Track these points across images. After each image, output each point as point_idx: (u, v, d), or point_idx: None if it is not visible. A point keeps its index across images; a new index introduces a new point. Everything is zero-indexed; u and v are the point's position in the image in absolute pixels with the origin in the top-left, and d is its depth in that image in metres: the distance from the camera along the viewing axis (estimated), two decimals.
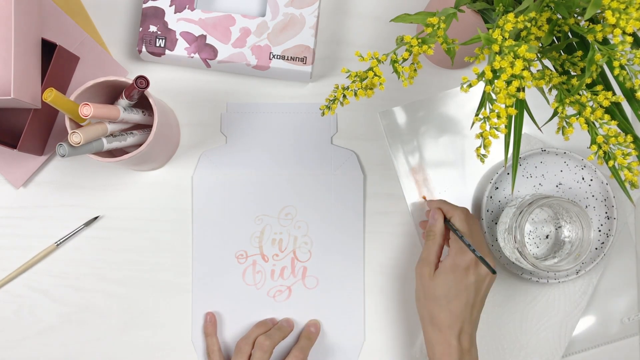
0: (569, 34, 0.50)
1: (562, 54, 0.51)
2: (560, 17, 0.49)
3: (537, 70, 0.48)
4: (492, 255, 0.62)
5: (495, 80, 0.43)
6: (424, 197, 0.69)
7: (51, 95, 0.54)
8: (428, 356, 0.60)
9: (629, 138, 0.44)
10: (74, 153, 0.55)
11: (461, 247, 0.59)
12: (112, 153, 0.65)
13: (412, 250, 0.70)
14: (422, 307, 0.61)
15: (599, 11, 0.44)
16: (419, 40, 0.48)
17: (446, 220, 0.62)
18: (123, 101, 0.59)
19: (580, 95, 0.46)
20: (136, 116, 0.62)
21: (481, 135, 0.44)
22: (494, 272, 0.58)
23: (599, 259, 0.68)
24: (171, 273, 0.69)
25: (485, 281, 0.60)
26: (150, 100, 0.60)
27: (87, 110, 0.54)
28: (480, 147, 0.44)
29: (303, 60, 0.67)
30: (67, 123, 0.59)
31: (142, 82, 0.56)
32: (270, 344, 0.64)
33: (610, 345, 0.70)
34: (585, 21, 0.46)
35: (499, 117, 0.42)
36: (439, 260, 0.61)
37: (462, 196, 0.70)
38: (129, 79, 0.59)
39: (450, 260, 0.59)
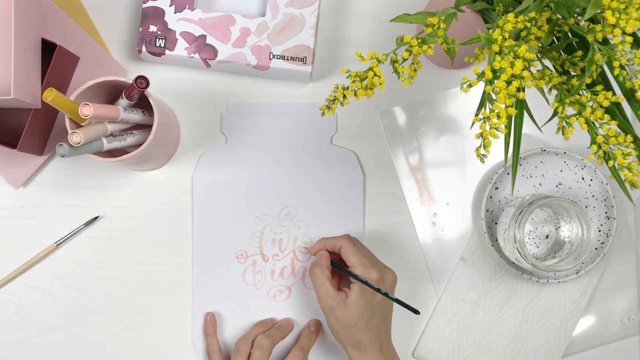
0: (569, 34, 0.50)
1: (562, 54, 0.51)
2: (560, 17, 0.49)
3: (537, 70, 0.48)
4: (388, 267, 0.64)
5: (495, 80, 0.43)
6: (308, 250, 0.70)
7: (51, 95, 0.54)
8: None
9: (629, 138, 0.44)
10: (74, 153, 0.55)
11: (362, 269, 0.61)
12: (112, 153, 0.65)
13: (412, 250, 0.70)
14: (342, 337, 0.61)
15: (599, 11, 0.44)
16: (419, 40, 0.48)
17: (333, 263, 0.64)
18: (123, 101, 0.59)
19: (580, 95, 0.46)
20: (136, 116, 0.62)
21: (481, 135, 0.44)
22: (378, 290, 0.60)
23: (599, 259, 0.68)
24: (171, 273, 0.69)
25: (392, 288, 0.63)
26: (150, 100, 0.60)
27: (87, 110, 0.54)
28: (480, 147, 0.44)
29: (303, 60, 0.67)
30: (67, 123, 0.59)
31: (142, 82, 0.56)
32: (269, 343, 0.64)
33: (610, 345, 0.70)
34: (585, 21, 0.46)
35: (499, 117, 0.42)
36: (339, 288, 0.63)
37: (462, 196, 0.70)
38: (129, 79, 0.59)
39: (357, 285, 0.60)
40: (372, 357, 0.61)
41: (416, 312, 0.60)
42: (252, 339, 0.65)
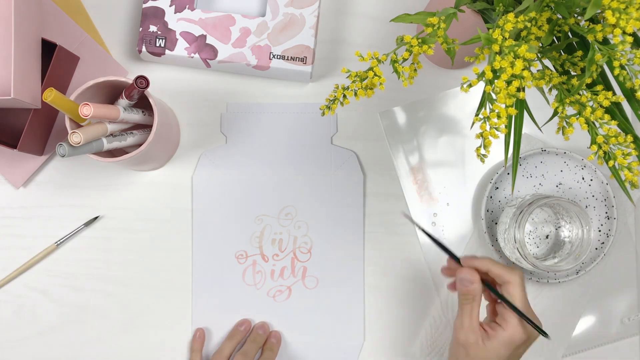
0: (569, 34, 0.50)
1: (562, 54, 0.51)
2: (560, 17, 0.49)
3: (537, 70, 0.48)
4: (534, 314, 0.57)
5: (495, 80, 0.43)
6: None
7: (51, 95, 0.54)
8: None
9: (629, 138, 0.44)
10: (74, 153, 0.55)
11: (518, 322, 0.53)
12: (112, 153, 0.65)
13: (412, 250, 0.70)
14: None
15: (599, 11, 0.44)
16: (419, 40, 0.48)
17: (487, 284, 0.55)
18: (123, 101, 0.59)
19: (580, 95, 0.46)
20: (136, 116, 0.61)
21: (481, 135, 0.44)
22: (545, 335, 0.54)
23: (599, 259, 0.68)
24: (171, 273, 0.69)
25: (530, 346, 0.56)
26: (150, 100, 0.60)
27: (87, 110, 0.54)
28: (480, 147, 0.44)
29: (303, 60, 0.67)
30: (67, 123, 0.59)
31: (142, 82, 0.56)
32: None
33: (610, 345, 0.70)
34: (585, 21, 0.46)
35: (499, 117, 0.42)
36: (482, 327, 0.55)
37: (462, 196, 0.70)
38: (129, 79, 0.59)
39: (507, 335, 0.53)
40: None
41: (545, 334, 0.54)
42: (227, 355, 0.66)
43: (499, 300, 0.55)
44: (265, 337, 0.68)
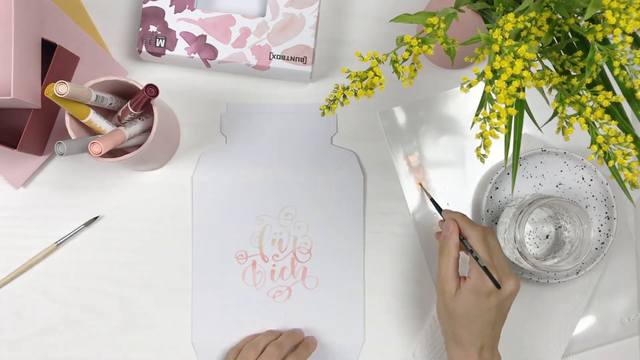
0: (569, 34, 0.50)
1: (562, 54, 0.51)
2: (560, 17, 0.49)
3: (537, 70, 0.48)
4: (514, 273, 0.60)
5: (495, 80, 0.43)
6: (420, 184, 0.67)
7: (53, 91, 0.53)
8: None
9: (629, 138, 0.44)
10: (73, 152, 0.55)
11: (481, 271, 0.57)
12: (112, 153, 0.65)
13: (412, 250, 0.70)
14: (444, 324, 0.61)
15: (599, 11, 0.44)
16: (419, 40, 0.48)
17: (461, 238, 0.60)
18: (128, 116, 0.60)
19: (580, 95, 0.46)
20: (137, 126, 0.62)
21: (481, 135, 0.44)
22: (498, 286, 0.57)
23: (599, 259, 0.68)
24: (171, 273, 0.69)
25: (509, 299, 0.59)
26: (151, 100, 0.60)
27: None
28: (480, 147, 0.44)
29: (303, 60, 0.67)
30: (67, 122, 0.59)
31: (152, 90, 0.57)
32: (279, 354, 0.64)
33: (610, 345, 0.70)
34: (585, 21, 0.46)
35: (499, 117, 0.42)
36: (458, 275, 0.59)
37: (462, 196, 0.70)
38: (129, 79, 0.59)
39: (471, 283, 0.58)
40: (468, 356, 0.59)
41: (498, 286, 0.57)
42: (263, 347, 0.65)
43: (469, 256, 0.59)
44: (302, 337, 0.68)
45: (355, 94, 0.50)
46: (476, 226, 0.60)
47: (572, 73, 0.50)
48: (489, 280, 0.57)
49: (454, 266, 0.59)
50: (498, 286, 0.57)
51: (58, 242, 0.69)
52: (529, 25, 0.47)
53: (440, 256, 0.60)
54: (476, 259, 0.58)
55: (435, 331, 0.69)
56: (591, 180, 0.69)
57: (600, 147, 0.45)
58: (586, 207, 0.69)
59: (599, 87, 0.46)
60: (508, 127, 0.45)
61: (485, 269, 0.57)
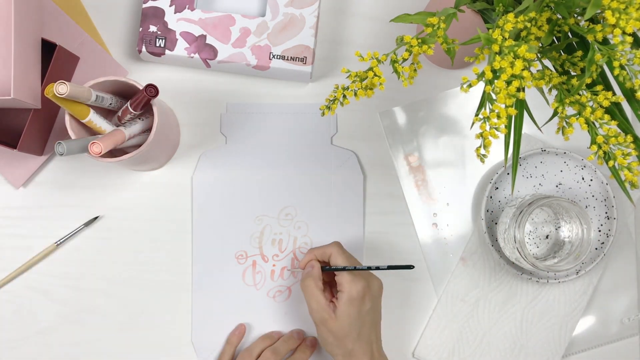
0: (569, 34, 0.50)
1: (562, 54, 0.51)
2: (560, 17, 0.49)
3: (537, 70, 0.48)
4: (374, 274, 0.63)
5: (495, 80, 0.43)
6: (292, 270, 0.70)
7: (53, 91, 0.53)
8: None
9: (629, 138, 0.44)
10: (73, 152, 0.55)
11: (349, 279, 0.60)
12: (112, 153, 0.65)
13: (412, 250, 0.70)
14: (335, 348, 0.61)
15: (599, 11, 0.44)
16: (419, 40, 0.48)
17: (324, 268, 0.63)
18: (128, 116, 0.60)
19: (580, 95, 0.46)
20: (137, 126, 0.62)
21: (481, 135, 0.44)
22: (410, 267, 0.61)
23: (599, 259, 0.68)
24: (171, 273, 0.69)
25: (379, 296, 0.62)
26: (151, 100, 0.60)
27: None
28: (480, 147, 0.44)
29: (303, 60, 0.67)
30: (67, 121, 0.59)
31: (152, 90, 0.57)
32: (275, 359, 0.64)
33: (610, 345, 0.70)
34: (585, 21, 0.46)
35: (499, 117, 0.42)
36: (331, 301, 0.61)
37: (462, 196, 0.70)
38: (129, 79, 0.59)
39: (345, 295, 0.59)
40: None
41: (410, 267, 0.61)
42: (258, 353, 0.65)
43: (335, 275, 0.62)
44: (300, 341, 0.68)
45: (355, 94, 0.50)
46: (329, 246, 0.63)
47: (572, 73, 0.50)
48: (359, 284, 0.59)
49: (321, 295, 0.61)
50: (410, 267, 0.61)
51: (58, 242, 0.69)
52: (528, 25, 0.47)
53: (305, 294, 0.61)
54: (344, 268, 0.61)
55: (435, 331, 0.69)
56: (591, 180, 0.69)
57: (600, 147, 0.45)
58: (586, 207, 0.69)
59: (598, 87, 0.46)
60: (508, 127, 0.45)
61: (369, 267, 0.61)
